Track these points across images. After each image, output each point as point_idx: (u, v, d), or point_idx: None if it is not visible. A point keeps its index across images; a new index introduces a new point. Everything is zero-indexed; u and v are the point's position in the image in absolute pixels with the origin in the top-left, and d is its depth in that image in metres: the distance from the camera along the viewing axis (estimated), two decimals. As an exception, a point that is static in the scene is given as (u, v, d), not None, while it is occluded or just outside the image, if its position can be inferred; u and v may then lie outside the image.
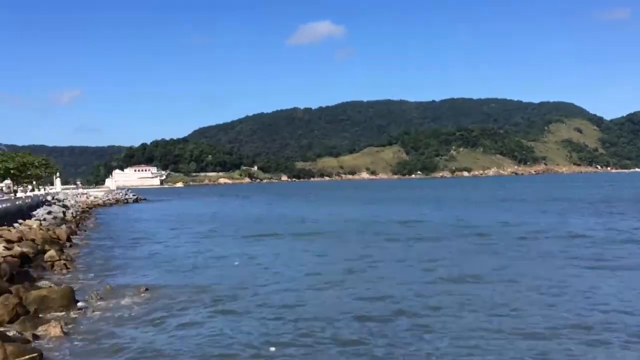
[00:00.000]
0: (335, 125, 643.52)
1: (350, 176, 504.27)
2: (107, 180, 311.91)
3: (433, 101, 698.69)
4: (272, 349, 17.05)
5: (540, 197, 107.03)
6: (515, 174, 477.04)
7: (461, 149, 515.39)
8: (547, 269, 29.06)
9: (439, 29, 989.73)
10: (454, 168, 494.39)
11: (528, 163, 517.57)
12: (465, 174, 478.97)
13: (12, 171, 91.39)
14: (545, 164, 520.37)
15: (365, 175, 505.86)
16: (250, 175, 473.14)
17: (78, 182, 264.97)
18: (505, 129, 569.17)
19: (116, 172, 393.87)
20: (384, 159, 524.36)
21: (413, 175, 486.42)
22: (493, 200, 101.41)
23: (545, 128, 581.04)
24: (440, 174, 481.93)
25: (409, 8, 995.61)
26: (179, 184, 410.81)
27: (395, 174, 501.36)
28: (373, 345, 17.00)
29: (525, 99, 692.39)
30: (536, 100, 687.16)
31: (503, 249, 36.92)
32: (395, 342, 17.26)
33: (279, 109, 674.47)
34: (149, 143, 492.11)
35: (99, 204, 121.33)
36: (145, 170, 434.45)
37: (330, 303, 22.44)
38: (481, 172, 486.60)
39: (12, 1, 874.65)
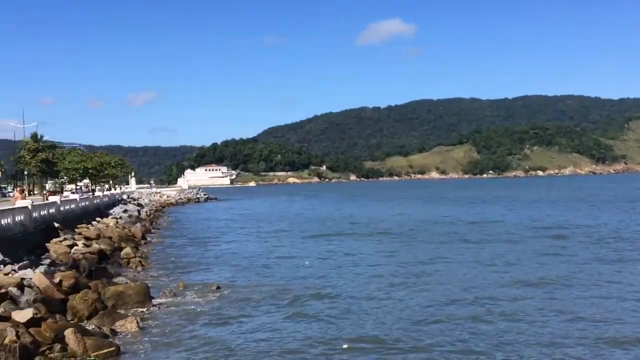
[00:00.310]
0: (405, 124, 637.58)
1: (419, 176, 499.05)
2: (179, 179, 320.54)
3: (506, 98, 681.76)
4: (345, 345, 16.92)
5: (620, 198, 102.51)
6: (593, 173, 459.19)
7: (535, 148, 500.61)
8: (629, 273, 27.65)
9: (511, 25, 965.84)
10: (527, 167, 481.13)
11: (607, 162, 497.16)
12: (540, 173, 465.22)
13: (90, 171, 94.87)
14: (625, 163, 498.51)
15: (434, 174, 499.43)
16: (319, 175, 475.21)
17: (152, 182, 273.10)
18: (582, 126, 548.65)
19: (188, 171, 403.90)
20: (454, 158, 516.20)
21: (484, 175, 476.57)
22: (570, 201, 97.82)
23: (625, 125, 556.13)
24: (513, 174, 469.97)
25: (480, 5, 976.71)
26: (252, 184, 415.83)
27: (466, 173, 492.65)
28: (448, 350, 16.50)
29: (603, 96, 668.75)
30: (615, 97, 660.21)
31: (581, 251, 35.44)
32: (472, 348, 16.67)
33: (348, 108, 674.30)
34: (219, 143, 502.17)
35: (171, 203, 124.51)
36: (216, 170, 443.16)
37: (403, 304, 22.00)
38: (556, 171, 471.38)
39: (90, 6, 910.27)
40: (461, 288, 24.77)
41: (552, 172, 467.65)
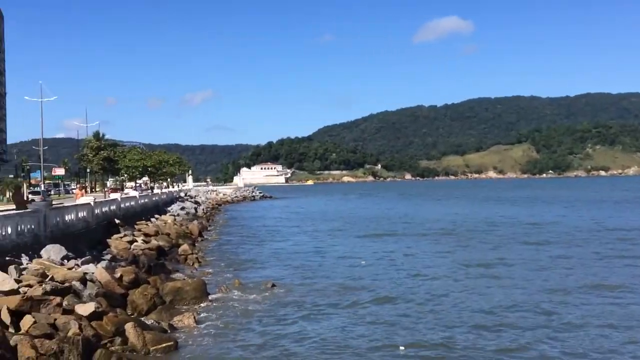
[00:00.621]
0: (461, 123, 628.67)
1: (476, 175, 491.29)
2: (235, 177, 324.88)
3: (567, 96, 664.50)
4: (402, 348, 16.70)
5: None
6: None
7: (598, 147, 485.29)
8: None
9: (572, 21, 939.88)
10: (589, 167, 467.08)
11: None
12: (602, 173, 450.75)
13: (149, 169, 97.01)
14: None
15: (492, 174, 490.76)
16: (374, 174, 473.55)
17: (208, 180, 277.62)
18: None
19: (244, 170, 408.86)
20: (513, 158, 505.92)
21: (544, 175, 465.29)
22: (634, 202, 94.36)
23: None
24: (574, 174, 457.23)
25: (539, 0, 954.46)
26: (309, 182, 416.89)
27: (525, 173, 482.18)
28: (511, 357, 16.09)
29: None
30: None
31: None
32: (535, 355, 16.18)
33: (404, 106, 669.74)
34: (275, 141, 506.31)
35: (227, 201, 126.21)
36: (271, 169, 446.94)
37: (462, 307, 21.57)
38: (620, 171, 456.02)
39: (151, 7, 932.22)
40: (522, 292, 24.02)
41: (615, 172, 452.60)
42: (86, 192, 41.16)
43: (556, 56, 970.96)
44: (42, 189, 71.29)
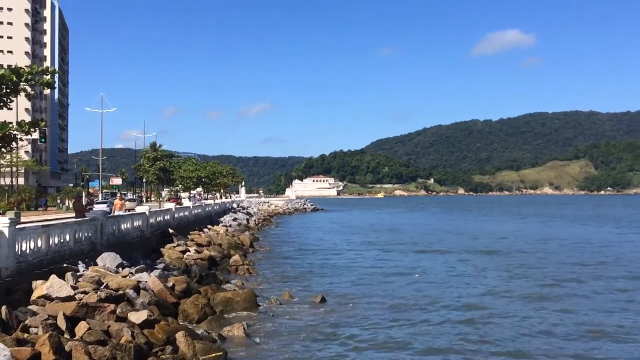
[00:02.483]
0: (517, 138, 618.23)
1: (531, 191, 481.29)
2: (287, 189, 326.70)
3: (628, 112, 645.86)
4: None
5: None
6: None
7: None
8: None
9: (633, 35, 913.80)
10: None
11: None
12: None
13: (203, 179, 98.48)
14: None
15: (548, 190, 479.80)
16: (426, 188, 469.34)
17: (260, 191, 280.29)
18: None
19: (296, 182, 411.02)
20: (570, 174, 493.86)
21: (602, 192, 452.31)
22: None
23: None
24: (634, 191, 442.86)
25: (601, 15, 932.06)
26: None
27: (582, 189, 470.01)
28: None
29: None
30: None
31: None
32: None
33: (458, 120, 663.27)
34: (327, 154, 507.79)
35: (279, 213, 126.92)
36: (323, 181, 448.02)
37: (517, 327, 20.98)
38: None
39: (213, 21, 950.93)
40: (591, 317, 23.17)
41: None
42: (124, 204, 39.43)
43: (616, 71, 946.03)
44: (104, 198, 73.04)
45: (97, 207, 50.03)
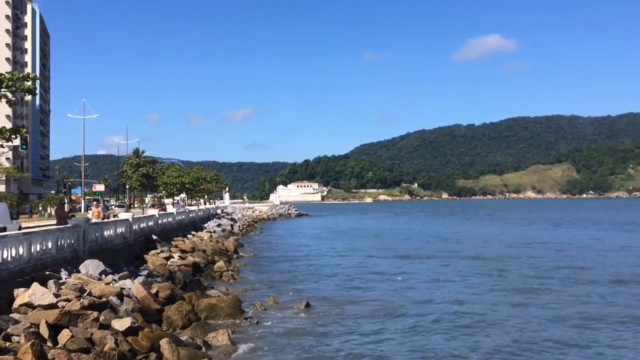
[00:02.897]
0: (500, 142, 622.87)
1: (514, 195, 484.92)
2: (271, 195, 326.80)
3: (608, 116, 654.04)
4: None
5: None
6: None
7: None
8: None
9: (613, 40, 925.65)
10: (631, 187, 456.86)
11: None
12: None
13: (187, 185, 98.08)
14: None
15: (530, 194, 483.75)
16: (410, 193, 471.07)
17: (244, 197, 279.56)
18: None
19: (280, 187, 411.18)
20: (552, 177, 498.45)
21: (584, 195, 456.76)
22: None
23: None
24: (615, 194, 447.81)
25: (582, 19, 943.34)
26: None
27: (564, 193, 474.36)
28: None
29: None
30: None
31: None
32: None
33: (441, 125, 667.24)
34: (311, 159, 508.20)
35: (263, 218, 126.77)
36: (308, 186, 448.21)
37: (504, 329, 21.14)
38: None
39: (193, 26, 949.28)
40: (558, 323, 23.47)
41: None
42: (100, 211, 37.38)
43: (598, 75, 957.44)
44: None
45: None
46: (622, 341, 19.26)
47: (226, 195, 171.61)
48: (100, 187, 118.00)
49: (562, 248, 52.40)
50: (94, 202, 56.19)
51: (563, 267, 38.92)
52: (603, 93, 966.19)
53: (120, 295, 19.45)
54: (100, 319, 16.77)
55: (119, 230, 31.73)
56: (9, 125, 62.07)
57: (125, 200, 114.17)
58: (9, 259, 18.20)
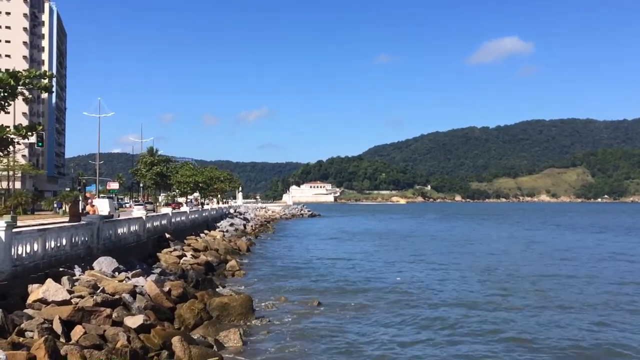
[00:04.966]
0: (514, 145, 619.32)
1: (528, 198, 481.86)
2: (284, 195, 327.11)
3: (625, 120, 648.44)
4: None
5: None
6: None
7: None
8: None
9: (631, 44, 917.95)
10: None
11: None
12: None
13: (200, 185, 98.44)
14: None
15: (545, 197, 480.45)
16: (423, 195, 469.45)
17: (257, 197, 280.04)
18: None
19: (293, 187, 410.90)
20: (567, 181, 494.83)
21: (599, 199, 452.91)
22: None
23: None
24: (631, 199, 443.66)
25: (600, 23, 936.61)
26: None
27: (579, 197, 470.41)
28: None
29: None
30: None
31: None
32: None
33: (455, 127, 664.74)
34: (325, 160, 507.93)
35: (276, 218, 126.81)
36: (320, 187, 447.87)
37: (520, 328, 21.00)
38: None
39: (209, 28, 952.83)
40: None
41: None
42: (96, 209, 34.43)
43: (614, 79, 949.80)
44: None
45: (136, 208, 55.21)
46: None
47: (239, 195, 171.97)
48: (114, 185, 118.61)
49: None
50: (89, 201, 49.52)
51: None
52: (619, 97, 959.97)
53: (133, 293, 19.55)
54: (113, 316, 16.87)
55: (132, 228, 31.90)
56: (25, 122, 62.64)
57: (140, 199, 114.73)
58: (24, 255, 18.36)
